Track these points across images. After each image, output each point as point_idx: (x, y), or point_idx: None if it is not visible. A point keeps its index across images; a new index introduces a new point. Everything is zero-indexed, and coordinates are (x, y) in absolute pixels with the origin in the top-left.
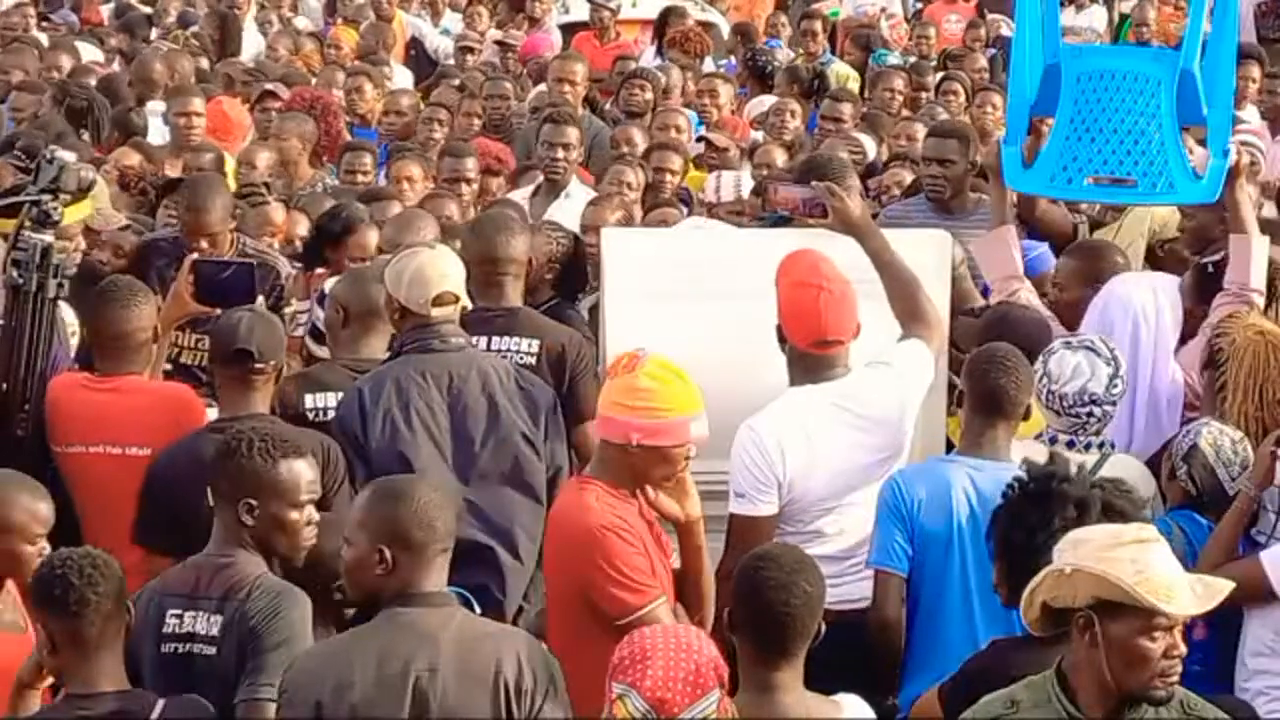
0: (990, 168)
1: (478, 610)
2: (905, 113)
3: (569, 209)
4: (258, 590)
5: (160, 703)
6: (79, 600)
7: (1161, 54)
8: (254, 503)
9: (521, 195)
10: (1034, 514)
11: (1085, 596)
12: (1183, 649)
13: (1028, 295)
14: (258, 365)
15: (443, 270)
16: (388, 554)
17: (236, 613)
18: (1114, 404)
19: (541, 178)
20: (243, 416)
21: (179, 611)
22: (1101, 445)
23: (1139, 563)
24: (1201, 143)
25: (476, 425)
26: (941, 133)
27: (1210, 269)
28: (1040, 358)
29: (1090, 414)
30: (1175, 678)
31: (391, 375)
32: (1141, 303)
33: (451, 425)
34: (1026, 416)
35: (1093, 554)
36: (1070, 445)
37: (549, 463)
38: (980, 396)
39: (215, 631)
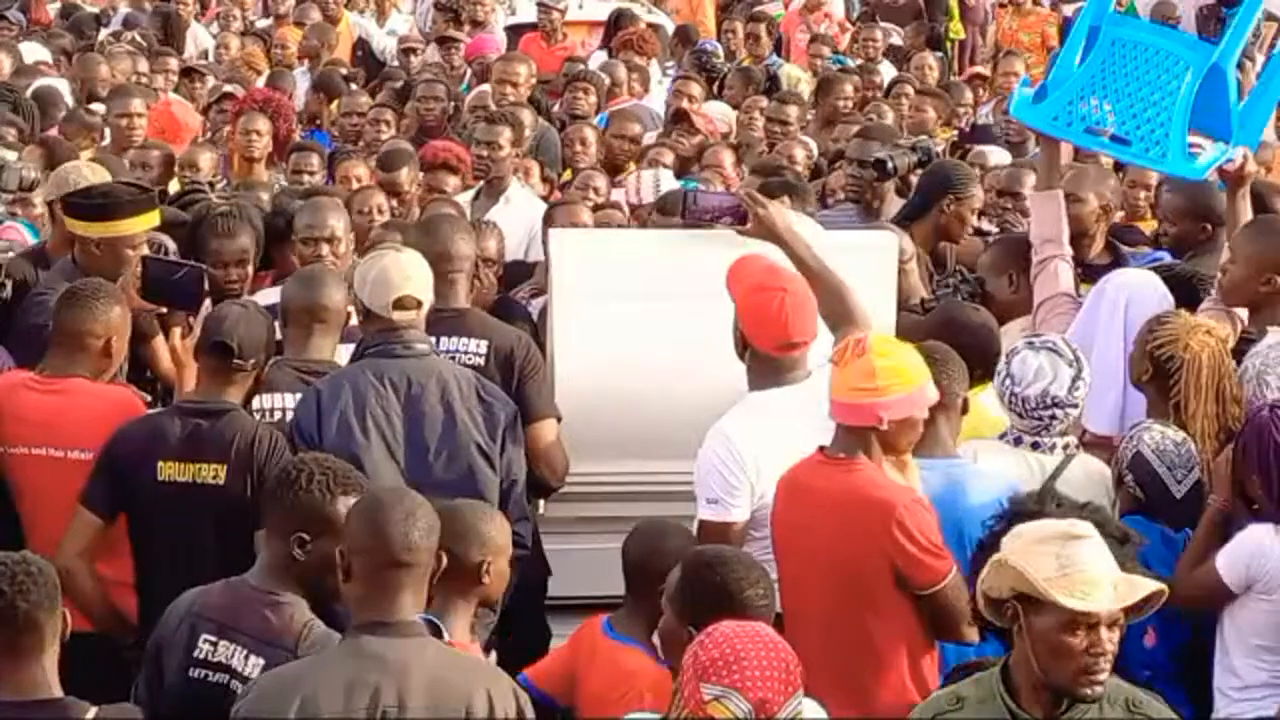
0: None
1: (446, 638)
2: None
3: (509, 213)
4: (306, 641)
5: (92, 710)
6: (8, 607)
7: (1198, 44)
8: (306, 537)
9: (464, 198)
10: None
11: (1008, 589)
12: (1109, 648)
13: (1059, 264)
14: (235, 361)
15: (406, 273)
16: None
17: (281, 659)
18: (1076, 406)
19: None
20: (210, 403)
21: (213, 639)
22: (1066, 446)
23: (1063, 558)
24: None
25: (432, 434)
26: (868, 135)
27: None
28: (1004, 358)
29: (1053, 416)
30: (1102, 676)
31: (350, 378)
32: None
33: (407, 432)
34: (964, 410)
35: (1021, 547)
36: (1035, 446)
37: (504, 475)
38: None
39: (254, 673)
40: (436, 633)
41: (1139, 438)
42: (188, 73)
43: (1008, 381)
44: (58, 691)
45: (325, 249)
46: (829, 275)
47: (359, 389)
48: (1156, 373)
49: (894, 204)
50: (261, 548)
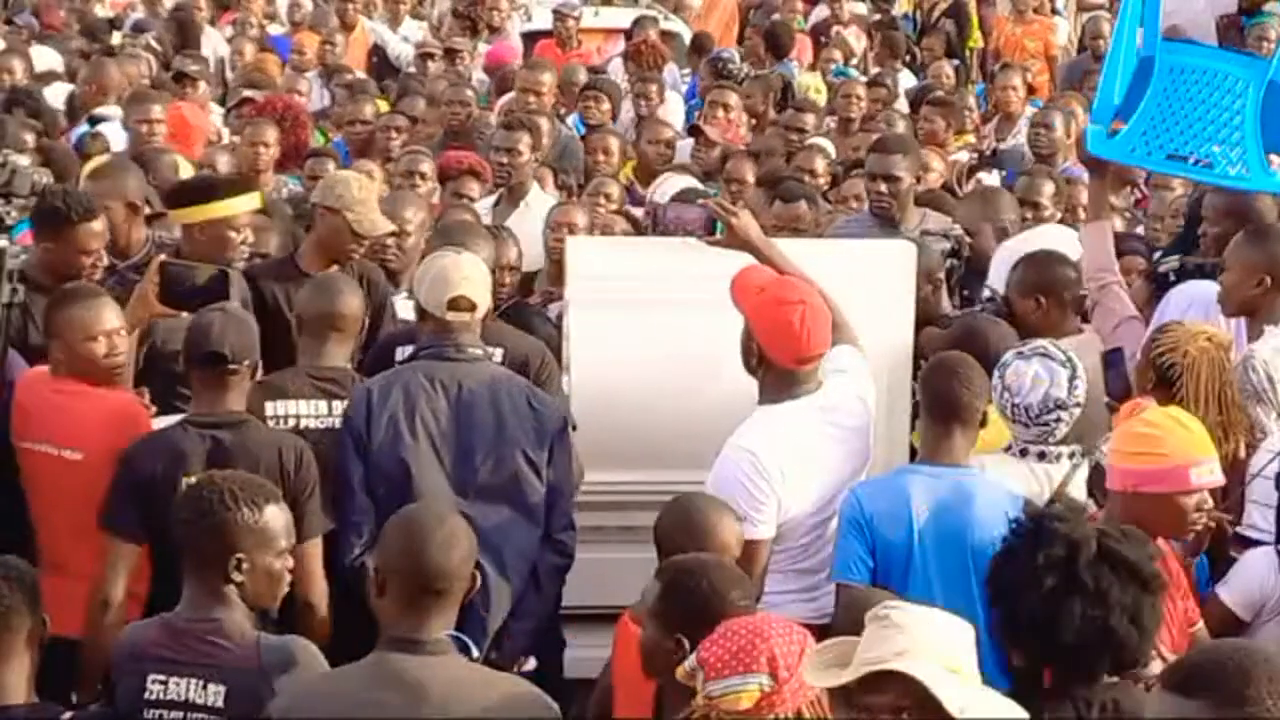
0: (1085, 159)
1: (474, 654)
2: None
3: (529, 218)
4: (266, 652)
5: (67, 714)
6: None
7: (1253, 61)
8: (243, 557)
9: (484, 205)
10: (1023, 551)
11: None
12: None
13: (1119, 290)
14: (231, 366)
15: (464, 274)
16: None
17: (247, 679)
18: (1079, 406)
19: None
20: (220, 414)
21: (161, 678)
22: (1072, 455)
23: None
24: None
25: (480, 439)
26: (887, 148)
27: (1172, 277)
28: (995, 372)
29: (1058, 419)
30: None
31: (402, 379)
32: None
33: (454, 436)
34: (983, 424)
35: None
36: (1041, 457)
37: (551, 484)
38: (935, 404)
39: (219, 702)
40: (465, 650)
41: None
42: (179, 78)
43: (1005, 395)
44: (22, 697)
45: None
46: (808, 282)
47: (410, 391)
48: (1159, 381)
49: (914, 215)
50: (187, 581)
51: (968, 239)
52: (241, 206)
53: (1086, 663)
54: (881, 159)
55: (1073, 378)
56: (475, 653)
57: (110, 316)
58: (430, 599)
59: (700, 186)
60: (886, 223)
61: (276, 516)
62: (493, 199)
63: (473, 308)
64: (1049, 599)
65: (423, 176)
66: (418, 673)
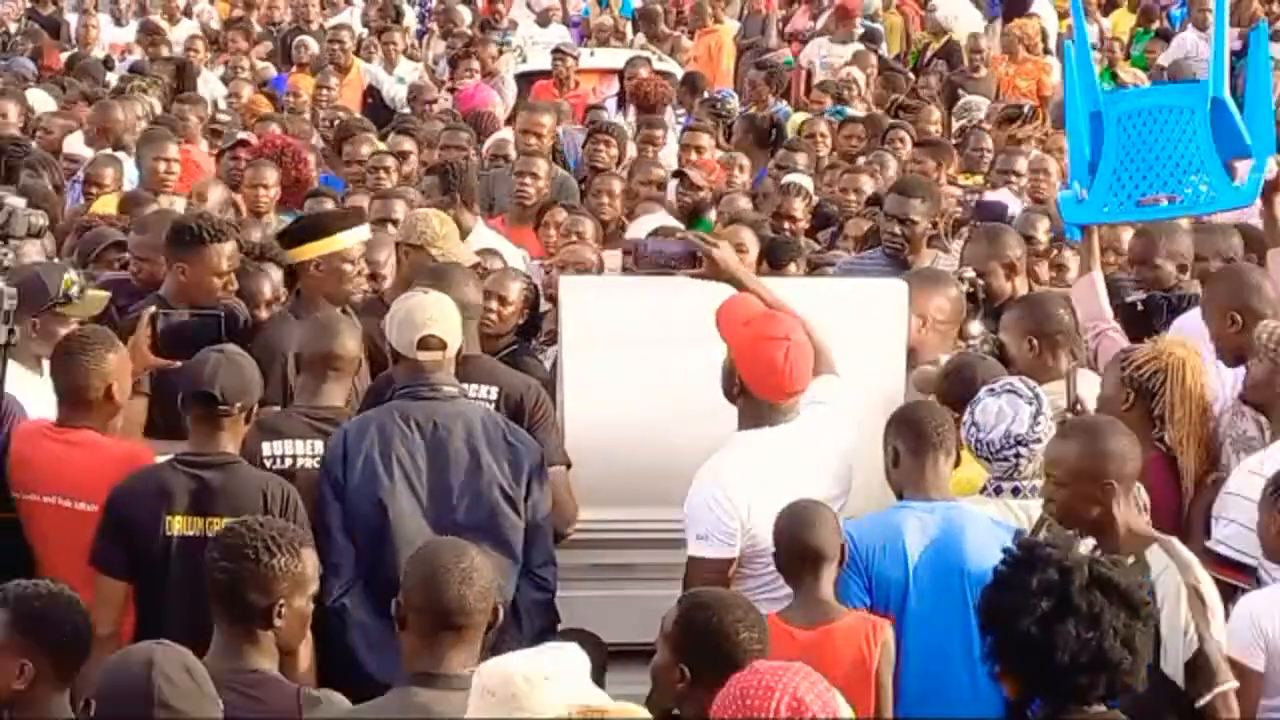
0: (1064, 225)
1: None
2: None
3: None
4: (307, 705)
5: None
6: None
7: (1191, 87)
8: (283, 602)
9: None
10: (1016, 578)
11: None
12: None
13: (1114, 335)
14: (221, 407)
15: (430, 314)
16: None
17: None
18: (1040, 441)
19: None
20: (209, 454)
21: None
22: (1035, 489)
23: None
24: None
25: (456, 476)
26: (905, 190)
27: (1139, 306)
28: (968, 410)
29: (1018, 455)
30: None
31: (377, 420)
32: None
33: (431, 475)
34: (958, 463)
35: None
36: (1016, 493)
37: (529, 519)
38: (911, 439)
39: None
40: None
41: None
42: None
43: (973, 429)
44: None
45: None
46: (790, 313)
47: (385, 431)
48: (1139, 397)
49: (926, 257)
50: (222, 629)
51: (980, 281)
52: (354, 239)
53: (1080, 688)
54: (900, 201)
55: (1036, 414)
56: None
57: (110, 362)
58: (450, 634)
59: (676, 224)
60: (898, 263)
61: (310, 560)
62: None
63: (443, 346)
64: (1043, 623)
65: (395, 223)
66: (438, 707)
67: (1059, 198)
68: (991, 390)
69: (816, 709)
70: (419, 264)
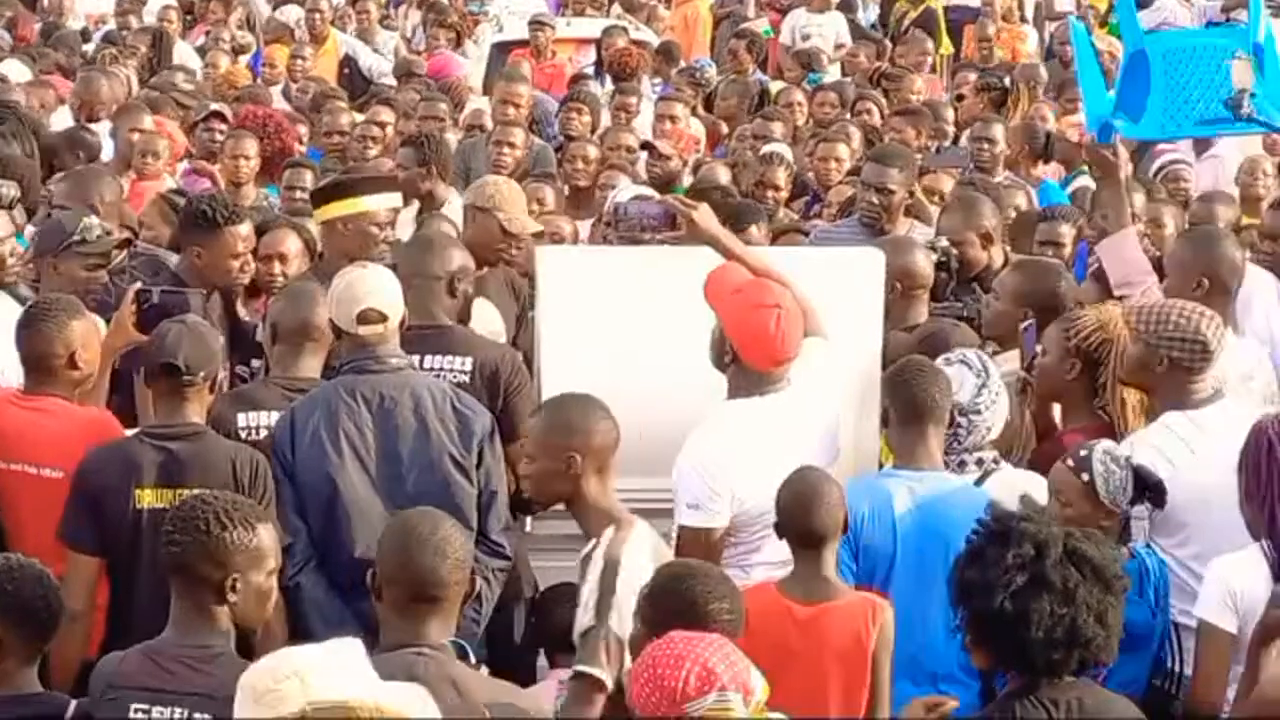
0: (1103, 165)
1: (472, 661)
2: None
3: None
4: None
5: (73, 703)
6: None
7: (1230, 30)
8: (237, 577)
9: (407, 215)
10: (990, 552)
11: None
12: None
13: (1154, 289)
14: (186, 378)
15: (368, 288)
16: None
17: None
18: (979, 413)
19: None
20: (176, 424)
21: (145, 707)
22: (980, 462)
23: None
24: None
25: (405, 447)
26: (883, 159)
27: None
28: None
29: (958, 425)
30: None
31: (323, 396)
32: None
33: (380, 447)
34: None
35: None
36: (961, 465)
37: (482, 487)
38: (904, 407)
39: None
40: (464, 656)
41: (1088, 458)
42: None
43: None
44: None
45: (276, 267)
46: (773, 275)
47: (331, 406)
48: (1085, 365)
49: (903, 225)
50: (177, 604)
51: (954, 250)
52: (383, 204)
53: (1053, 663)
54: (877, 169)
55: (981, 386)
56: (474, 659)
57: (74, 329)
58: (425, 606)
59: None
60: (874, 231)
61: (267, 535)
62: (414, 208)
63: (383, 319)
64: (1017, 598)
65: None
66: (416, 678)
67: (1113, 124)
68: (947, 359)
69: (726, 679)
70: (486, 228)
